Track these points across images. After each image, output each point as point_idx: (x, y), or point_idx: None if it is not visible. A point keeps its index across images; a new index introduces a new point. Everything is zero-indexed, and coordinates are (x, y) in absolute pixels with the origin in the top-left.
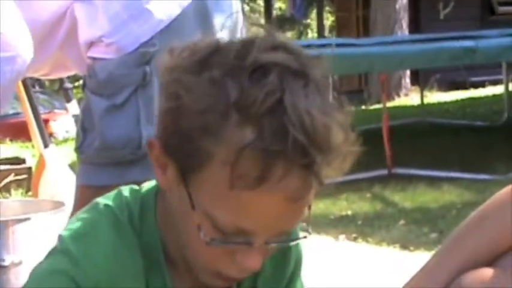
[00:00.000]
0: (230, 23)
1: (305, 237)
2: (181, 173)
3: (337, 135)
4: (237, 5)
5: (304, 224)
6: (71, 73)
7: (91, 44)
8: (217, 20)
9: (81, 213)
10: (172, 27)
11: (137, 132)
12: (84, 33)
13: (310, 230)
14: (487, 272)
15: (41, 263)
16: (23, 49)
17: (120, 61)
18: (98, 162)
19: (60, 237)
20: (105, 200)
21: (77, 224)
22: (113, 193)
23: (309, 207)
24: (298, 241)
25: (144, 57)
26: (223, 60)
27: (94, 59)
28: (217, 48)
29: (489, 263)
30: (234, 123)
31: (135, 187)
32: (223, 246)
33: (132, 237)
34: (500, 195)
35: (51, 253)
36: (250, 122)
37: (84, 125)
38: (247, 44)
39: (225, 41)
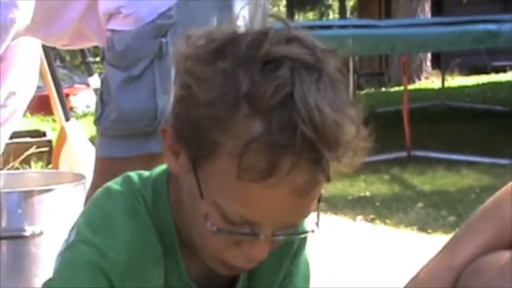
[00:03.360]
0: (249, 10)
1: (312, 231)
2: (191, 161)
3: (347, 132)
4: None
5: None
6: (92, 44)
7: (110, 16)
8: (238, 4)
9: (96, 201)
10: (191, 2)
11: (153, 104)
12: (104, 4)
13: (318, 223)
14: (506, 254)
15: (64, 253)
16: (22, 2)
17: (138, 32)
18: (116, 135)
19: (78, 227)
20: (116, 186)
21: (94, 214)
22: (121, 179)
23: (319, 200)
24: (305, 234)
25: (161, 29)
26: (237, 51)
27: (113, 31)
28: (233, 39)
29: (507, 247)
30: (243, 115)
31: (143, 173)
32: (229, 236)
33: (149, 223)
34: None
35: (73, 244)
36: (260, 114)
37: (103, 97)
38: (261, 36)
39: (241, 30)
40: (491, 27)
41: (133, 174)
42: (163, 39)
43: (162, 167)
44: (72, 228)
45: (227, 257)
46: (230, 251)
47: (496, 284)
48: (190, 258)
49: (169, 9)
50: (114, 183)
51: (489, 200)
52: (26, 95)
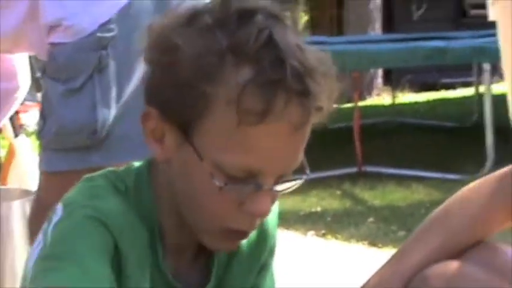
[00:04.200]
0: None
1: (307, 175)
2: (182, 131)
3: (324, 66)
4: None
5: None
6: (32, 53)
7: (51, 29)
8: None
9: (78, 186)
10: (130, 13)
11: (93, 117)
12: (44, 15)
13: (307, 172)
14: (452, 264)
15: (50, 231)
16: None
17: (78, 44)
18: (57, 148)
19: (63, 204)
20: (96, 174)
21: (77, 193)
22: (99, 172)
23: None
24: (301, 180)
25: (102, 41)
26: (210, 13)
27: (53, 44)
28: (200, 9)
29: (453, 257)
30: (231, 65)
31: (124, 167)
32: (236, 189)
33: (133, 208)
34: (463, 192)
35: (61, 218)
36: (247, 59)
37: (44, 111)
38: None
39: (204, 3)
40: (440, 44)
41: (112, 168)
42: (103, 52)
43: (140, 162)
44: (49, 219)
45: (231, 222)
46: (233, 213)
47: None
48: (168, 254)
49: (110, 21)
50: (93, 174)
51: (436, 210)
52: None
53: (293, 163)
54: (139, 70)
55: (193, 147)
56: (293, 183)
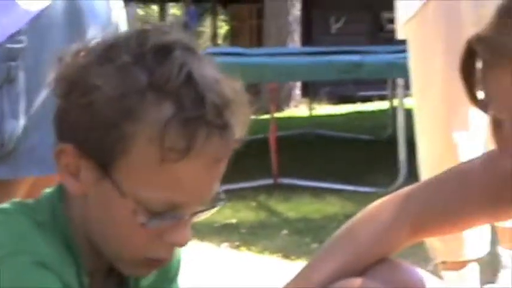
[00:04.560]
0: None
1: (221, 200)
2: (101, 166)
3: (239, 95)
4: (116, 16)
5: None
6: None
7: None
8: (92, 30)
9: None
10: (41, 24)
11: (0, 129)
12: None
13: (223, 197)
14: (355, 281)
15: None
16: None
17: None
18: None
19: None
20: (7, 206)
21: (1, 230)
22: (10, 205)
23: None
24: (217, 208)
25: (11, 53)
26: (126, 50)
27: None
28: (116, 41)
29: (359, 273)
30: (152, 102)
31: (27, 200)
32: (158, 223)
33: (57, 239)
34: (370, 209)
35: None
36: (168, 97)
37: None
38: (144, 31)
39: (118, 35)
40: (355, 58)
41: (16, 200)
42: (12, 63)
43: (47, 192)
44: None
45: (151, 252)
46: (154, 245)
47: None
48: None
49: (19, 32)
50: (3, 206)
51: (343, 226)
52: None
53: (212, 192)
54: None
55: (114, 184)
56: (209, 211)
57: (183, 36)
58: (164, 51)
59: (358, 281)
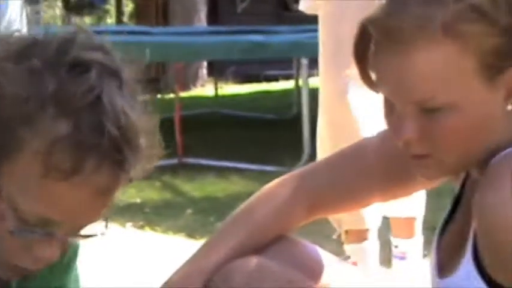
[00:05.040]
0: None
1: (102, 233)
2: None
3: (145, 137)
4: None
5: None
6: None
7: None
8: None
9: None
10: None
11: None
12: None
13: (107, 225)
14: (252, 259)
15: None
16: None
17: None
18: None
19: None
20: None
21: None
22: None
23: None
24: (97, 235)
25: None
26: (43, 53)
27: None
28: (35, 42)
29: (256, 252)
30: (50, 115)
31: None
32: (26, 235)
33: None
34: (267, 188)
35: None
36: (67, 115)
37: None
38: (68, 41)
39: (41, 36)
40: (260, 38)
41: None
42: None
43: None
44: None
45: (19, 260)
46: (20, 254)
47: None
48: None
49: None
50: None
51: (241, 206)
52: None
53: (95, 217)
54: None
55: None
56: (85, 238)
57: (108, 59)
58: (81, 67)
59: (255, 259)
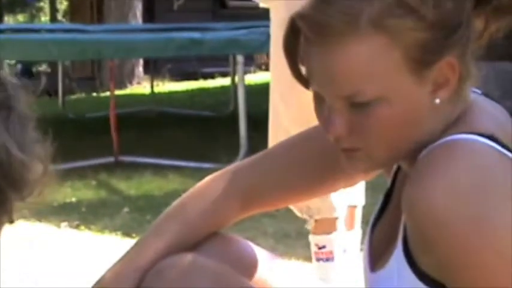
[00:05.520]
0: None
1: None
2: None
3: (35, 171)
4: None
5: None
6: None
7: None
8: None
9: None
10: None
11: None
12: None
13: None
14: (186, 256)
15: None
16: None
17: None
18: None
19: None
20: None
21: None
22: None
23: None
24: None
25: None
26: None
27: None
28: None
29: (189, 249)
30: None
31: None
32: None
33: None
34: (199, 185)
35: None
36: None
37: None
38: None
39: None
40: (196, 35)
41: None
42: None
43: None
44: None
45: None
46: None
47: (178, 285)
48: None
49: None
50: None
51: (174, 202)
52: None
53: None
54: None
55: None
56: None
57: (10, 83)
58: None
59: (188, 256)
